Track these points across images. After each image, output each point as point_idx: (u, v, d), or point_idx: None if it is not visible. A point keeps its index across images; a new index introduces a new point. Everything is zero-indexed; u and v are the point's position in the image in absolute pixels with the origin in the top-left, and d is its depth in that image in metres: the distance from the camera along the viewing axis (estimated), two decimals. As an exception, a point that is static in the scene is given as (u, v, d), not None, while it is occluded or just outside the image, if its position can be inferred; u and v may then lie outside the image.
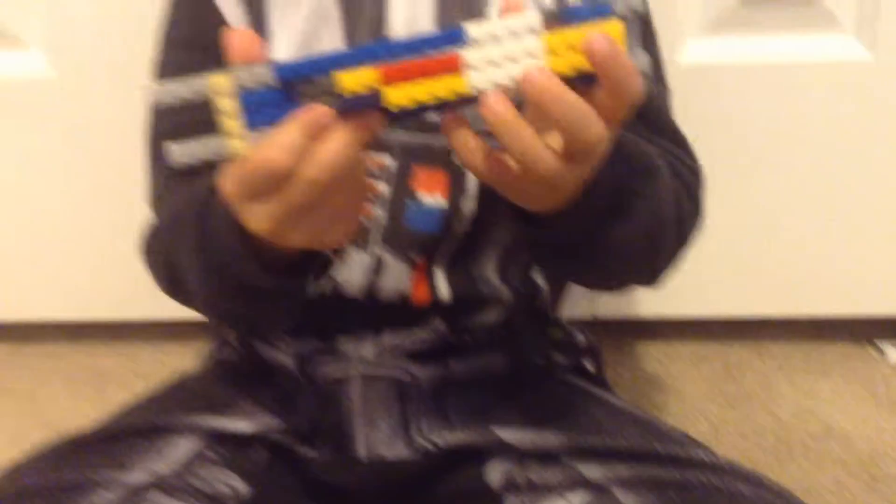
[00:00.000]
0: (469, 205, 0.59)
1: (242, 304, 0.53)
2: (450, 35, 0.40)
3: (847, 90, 0.84)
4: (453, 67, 0.40)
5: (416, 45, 0.40)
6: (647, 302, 0.94)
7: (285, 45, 0.61)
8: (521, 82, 0.40)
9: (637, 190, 0.50)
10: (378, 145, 0.59)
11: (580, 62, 0.39)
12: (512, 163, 0.42)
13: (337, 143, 0.40)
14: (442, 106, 0.41)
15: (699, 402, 0.89)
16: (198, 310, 0.60)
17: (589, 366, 0.69)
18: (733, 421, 0.86)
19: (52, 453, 0.56)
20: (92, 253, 0.92)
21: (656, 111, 0.61)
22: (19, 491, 0.52)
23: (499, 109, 0.40)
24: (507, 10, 0.41)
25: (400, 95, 0.40)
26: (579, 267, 0.54)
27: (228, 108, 0.40)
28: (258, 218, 0.42)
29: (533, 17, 0.40)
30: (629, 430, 0.57)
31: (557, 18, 0.40)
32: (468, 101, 0.41)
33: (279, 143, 0.39)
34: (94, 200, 0.90)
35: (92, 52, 0.83)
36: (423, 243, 0.60)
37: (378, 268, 0.60)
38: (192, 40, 0.63)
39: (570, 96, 0.40)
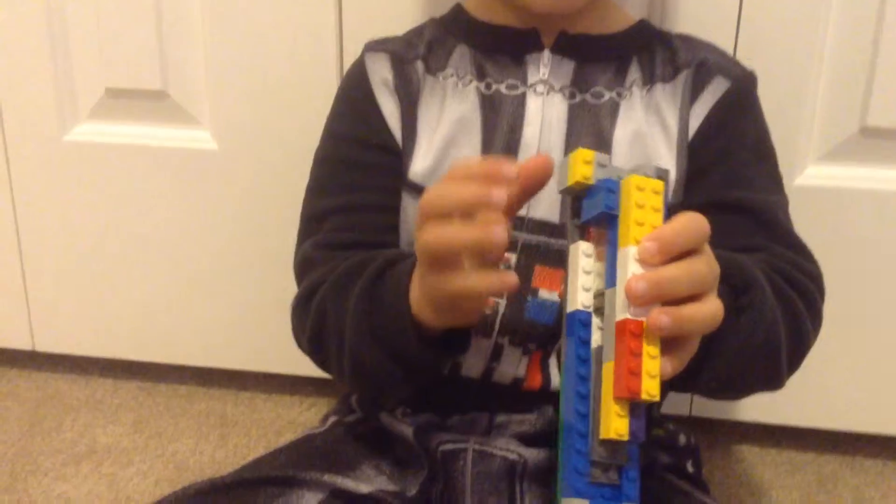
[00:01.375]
0: None
1: (385, 371, 0.57)
2: None
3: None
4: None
5: None
6: (743, 405, 0.96)
7: (426, 148, 0.67)
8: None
9: (742, 302, 0.53)
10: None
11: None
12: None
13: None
14: None
15: (790, 511, 0.89)
16: (329, 368, 0.65)
17: (690, 467, 0.71)
18: (824, 533, 0.87)
19: (197, 493, 0.62)
20: (228, 307, 0.99)
21: (774, 220, 0.64)
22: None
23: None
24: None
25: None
26: (697, 377, 0.55)
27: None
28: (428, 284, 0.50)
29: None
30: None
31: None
32: None
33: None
34: (238, 261, 0.97)
35: (250, 127, 0.92)
36: (539, 335, 0.64)
37: (497, 354, 0.65)
38: (354, 137, 0.69)
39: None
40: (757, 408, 0.95)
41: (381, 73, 0.69)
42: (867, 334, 0.91)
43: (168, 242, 0.98)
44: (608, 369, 0.43)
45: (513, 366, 0.65)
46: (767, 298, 0.56)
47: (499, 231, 0.44)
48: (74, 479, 0.89)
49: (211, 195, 0.95)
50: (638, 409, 0.44)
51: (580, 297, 0.46)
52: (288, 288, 0.71)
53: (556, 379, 0.66)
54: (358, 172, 0.68)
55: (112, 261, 0.99)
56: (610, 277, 0.45)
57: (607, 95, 0.67)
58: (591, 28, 0.68)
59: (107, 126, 0.95)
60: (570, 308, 0.46)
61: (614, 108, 0.66)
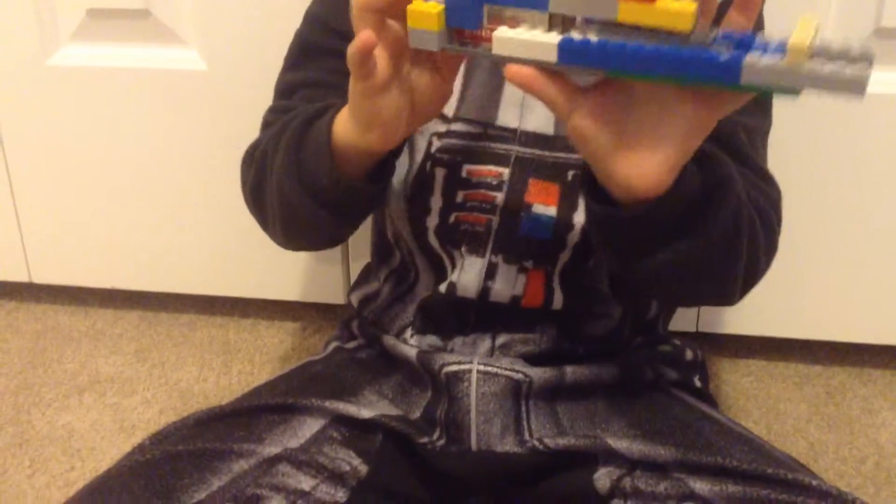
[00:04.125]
0: (579, 217, 0.61)
1: (306, 206, 0.57)
2: None
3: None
4: None
5: None
6: (750, 319, 0.95)
7: None
8: None
9: (717, 197, 0.51)
10: (494, 157, 0.63)
11: None
12: None
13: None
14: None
15: (799, 423, 0.89)
16: (266, 220, 0.65)
17: (697, 381, 0.71)
18: (832, 444, 0.86)
19: (196, 423, 0.62)
20: (226, 234, 0.98)
21: (742, 142, 0.62)
22: (165, 455, 0.57)
23: None
24: None
25: None
26: (654, 266, 0.53)
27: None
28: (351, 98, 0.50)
29: None
30: (738, 449, 0.58)
31: None
32: None
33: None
34: (230, 185, 0.95)
35: (240, 47, 0.89)
36: (535, 251, 0.63)
37: (491, 272, 0.64)
38: (328, 22, 0.68)
39: None
40: (763, 321, 0.94)
41: None
42: (875, 246, 0.89)
43: (162, 167, 0.95)
44: (625, 8, 0.42)
45: (509, 284, 0.64)
46: (735, 198, 0.53)
47: None
48: (78, 410, 0.89)
49: (203, 117, 0.92)
50: None
51: (549, 39, 0.44)
52: None
53: (559, 298, 0.64)
54: (327, 57, 0.67)
55: (104, 188, 0.97)
56: (537, 2, 0.44)
57: None
58: None
59: (90, 48, 0.91)
60: (552, 56, 0.44)
61: None
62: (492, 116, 0.63)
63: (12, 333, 1.02)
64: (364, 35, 0.46)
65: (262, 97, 0.87)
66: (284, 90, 0.69)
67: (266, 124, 0.68)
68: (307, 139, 0.57)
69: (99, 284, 1.04)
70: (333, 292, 0.99)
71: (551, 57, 0.44)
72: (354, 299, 0.75)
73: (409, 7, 0.45)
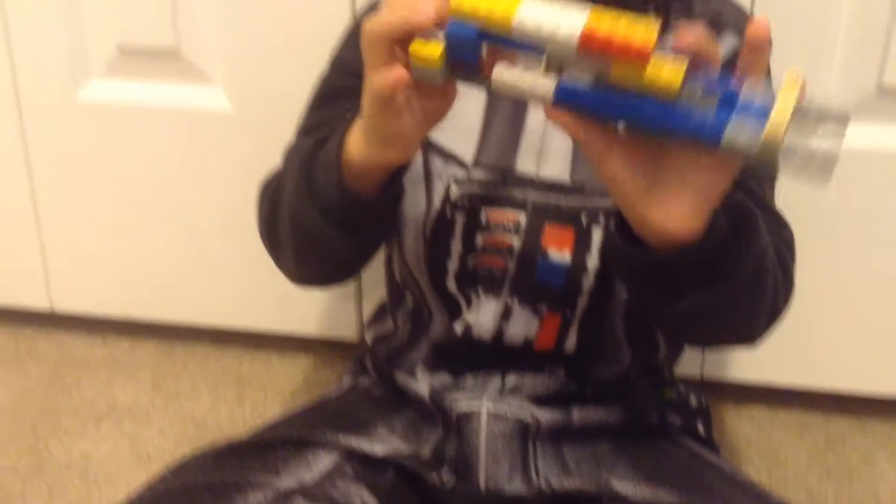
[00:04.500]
0: (594, 262, 0.64)
1: (318, 228, 0.59)
2: None
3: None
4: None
5: None
6: (753, 366, 0.97)
7: None
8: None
9: (746, 241, 0.53)
10: (512, 202, 0.65)
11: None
12: None
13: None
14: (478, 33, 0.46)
15: (799, 471, 0.90)
16: (279, 251, 0.67)
17: (700, 428, 0.72)
18: (832, 493, 0.88)
19: (215, 455, 0.63)
20: (243, 268, 1.00)
21: (754, 186, 0.64)
22: (184, 486, 0.59)
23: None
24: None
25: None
26: (685, 309, 0.55)
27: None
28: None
29: None
30: (740, 496, 0.60)
31: None
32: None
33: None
34: (247, 221, 0.98)
35: (265, 89, 0.92)
36: (550, 295, 0.65)
37: (507, 314, 0.66)
38: (352, 69, 0.69)
39: None
40: (766, 369, 0.96)
41: None
42: (877, 297, 0.91)
43: (182, 202, 0.98)
44: (617, 68, 0.44)
45: (523, 327, 0.66)
46: (762, 241, 0.55)
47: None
48: (95, 438, 0.91)
49: (225, 155, 0.95)
50: (658, 51, 0.44)
51: (545, 83, 0.46)
52: None
53: (572, 341, 0.66)
54: (351, 98, 0.68)
55: (127, 221, 1.00)
56: (534, 49, 0.46)
57: None
58: None
59: (119, 84, 0.95)
60: (549, 97, 0.46)
61: None
62: (510, 164, 0.65)
63: (32, 361, 1.04)
64: (399, 73, 0.48)
65: (284, 137, 0.90)
66: (304, 130, 0.72)
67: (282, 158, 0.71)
68: (318, 158, 0.59)
69: (117, 314, 1.06)
70: (346, 328, 1.02)
71: (549, 97, 0.46)
72: (369, 337, 0.77)
73: (411, 48, 0.48)
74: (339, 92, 0.71)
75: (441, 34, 0.47)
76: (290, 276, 0.69)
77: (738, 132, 0.42)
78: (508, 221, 0.65)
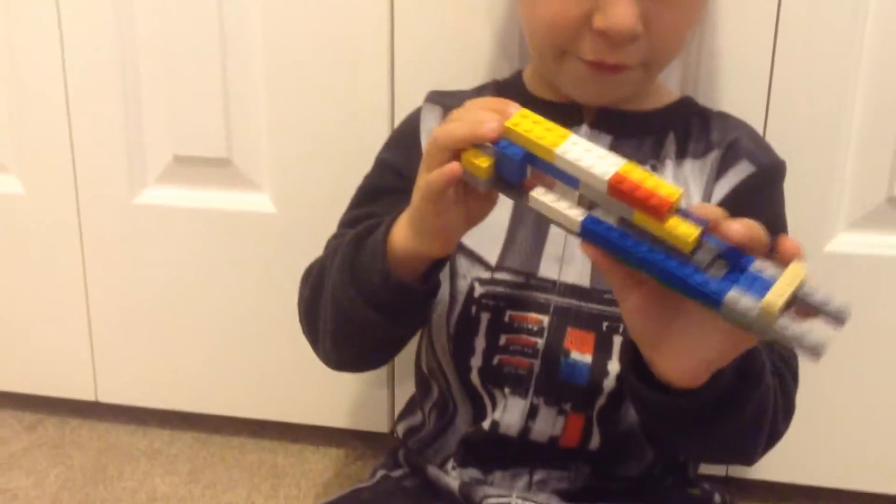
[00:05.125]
0: (614, 365, 0.67)
1: (361, 313, 0.63)
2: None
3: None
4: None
5: None
6: (778, 467, 0.96)
7: None
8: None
9: (747, 390, 0.57)
10: (535, 305, 0.69)
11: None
12: None
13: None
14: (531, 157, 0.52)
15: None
16: (317, 338, 0.71)
17: (723, 526, 0.74)
18: None
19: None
20: (282, 363, 1.04)
21: None
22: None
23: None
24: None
25: (517, 120, 0.52)
26: (680, 439, 0.62)
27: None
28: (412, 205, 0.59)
29: None
30: None
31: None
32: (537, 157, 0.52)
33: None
34: (292, 319, 1.02)
35: (306, 192, 0.97)
36: (573, 395, 0.68)
37: (533, 413, 0.69)
38: (395, 169, 0.76)
39: None
40: (792, 468, 0.96)
41: (430, 124, 0.76)
42: (880, 398, 0.92)
43: (227, 300, 1.03)
44: (639, 216, 0.48)
45: (549, 425, 0.69)
46: (764, 388, 0.59)
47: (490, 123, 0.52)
48: (135, 526, 0.94)
49: (269, 255, 1.00)
50: (681, 213, 0.47)
51: (574, 214, 0.50)
52: None
53: (596, 439, 0.69)
54: (392, 196, 0.75)
55: (173, 317, 1.05)
56: (570, 181, 0.50)
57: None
58: (633, 105, 0.72)
59: (173, 190, 1.01)
60: (574, 227, 0.51)
61: None
62: (534, 268, 0.69)
63: (76, 450, 1.07)
64: (454, 167, 0.54)
65: (323, 237, 0.96)
66: (347, 222, 0.77)
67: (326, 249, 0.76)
68: (364, 245, 0.64)
69: (158, 405, 1.10)
70: (378, 421, 1.05)
71: (574, 228, 0.51)
72: (400, 430, 0.80)
73: (464, 155, 0.54)
74: (381, 190, 0.76)
75: (492, 148, 0.53)
76: (326, 359, 0.73)
77: (737, 301, 0.45)
78: (532, 322, 0.69)
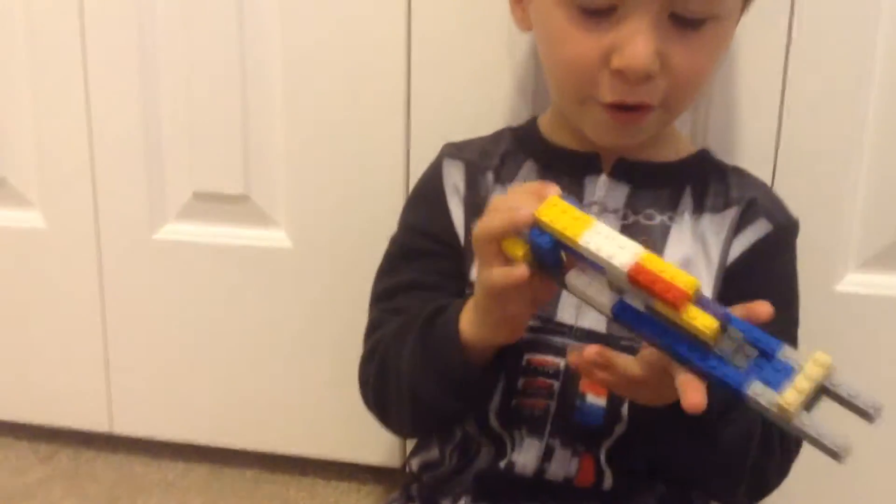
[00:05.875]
0: (625, 408, 0.68)
1: (437, 400, 0.66)
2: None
3: None
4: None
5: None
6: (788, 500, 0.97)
7: None
8: None
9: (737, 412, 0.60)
10: (552, 349, 0.70)
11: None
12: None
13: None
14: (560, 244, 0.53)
15: None
16: (389, 417, 0.73)
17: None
18: None
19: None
20: (295, 396, 1.05)
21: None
22: None
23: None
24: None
25: (544, 211, 0.54)
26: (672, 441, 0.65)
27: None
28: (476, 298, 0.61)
29: None
30: None
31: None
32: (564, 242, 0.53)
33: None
34: (307, 354, 1.03)
35: (322, 228, 0.99)
36: (588, 436, 0.69)
37: (549, 454, 0.70)
38: (424, 230, 0.77)
39: None
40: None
41: (454, 180, 0.77)
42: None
43: (243, 334, 1.04)
44: (660, 305, 0.49)
45: (564, 465, 0.70)
46: (743, 428, 0.63)
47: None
48: (148, 558, 0.94)
49: (285, 290, 1.02)
50: (700, 301, 0.49)
51: (605, 299, 0.53)
52: (352, 381, 0.78)
53: (608, 479, 0.70)
54: (425, 258, 0.76)
55: (190, 351, 1.06)
56: (597, 267, 0.52)
57: (658, 219, 0.72)
58: (650, 155, 0.74)
59: (192, 226, 1.03)
60: (607, 312, 0.53)
61: (665, 231, 0.72)
62: (552, 313, 0.71)
63: (90, 481, 1.08)
64: (522, 271, 0.55)
65: (337, 272, 0.97)
66: (384, 293, 0.77)
67: (373, 324, 0.77)
68: (431, 337, 0.65)
69: (172, 437, 1.11)
70: (389, 456, 1.05)
71: (607, 312, 0.53)
72: (414, 464, 0.80)
73: (504, 242, 0.56)
74: (412, 253, 0.77)
75: (528, 235, 0.55)
76: (397, 432, 0.80)
77: (758, 396, 0.47)
78: (548, 366, 0.70)
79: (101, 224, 1.04)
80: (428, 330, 0.66)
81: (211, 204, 1.02)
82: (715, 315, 0.48)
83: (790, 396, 0.45)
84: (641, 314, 0.51)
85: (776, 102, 0.86)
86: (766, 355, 0.48)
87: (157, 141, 1.01)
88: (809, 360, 0.47)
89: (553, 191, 0.55)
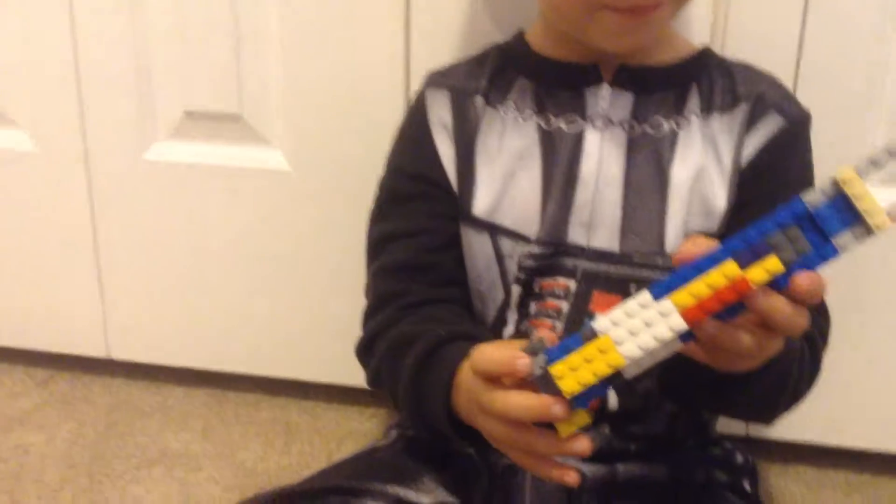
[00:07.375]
0: None
1: (432, 434, 0.64)
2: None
3: None
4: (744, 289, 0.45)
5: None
6: (800, 426, 0.96)
7: (487, 183, 0.70)
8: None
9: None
10: (564, 271, 0.68)
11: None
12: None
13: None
14: (608, 382, 0.48)
15: (847, 532, 0.90)
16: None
17: (747, 486, 0.73)
18: (880, 555, 0.87)
19: (265, 502, 0.66)
20: (295, 320, 1.03)
21: None
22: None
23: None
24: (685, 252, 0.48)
25: (570, 382, 0.48)
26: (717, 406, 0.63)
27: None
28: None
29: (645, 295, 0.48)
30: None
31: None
32: (619, 374, 0.48)
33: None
34: (305, 277, 1.01)
35: (321, 151, 0.95)
36: None
37: None
38: (411, 172, 0.73)
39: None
40: (813, 428, 0.95)
41: (439, 114, 0.72)
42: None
43: (239, 258, 1.02)
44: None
45: None
46: (792, 361, 0.60)
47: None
48: (147, 483, 0.94)
49: (283, 213, 0.99)
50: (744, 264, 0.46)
51: (665, 334, 0.48)
52: (351, 305, 0.76)
53: (613, 399, 0.68)
54: (414, 202, 0.73)
55: (186, 274, 1.04)
56: None
57: (666, 126, 0.69)
58: (652, 58, 0.69)
59: (184, 146, 0.99)
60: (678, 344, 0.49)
61: (673, 139, 0.68)
62: (562, 235, 0.68)
63: (87, 406, 1.07)
64: (586, 446, 0.52)
65: (336, 194, 0.94)
66: (379, 241, 0.74)
67: (370, 291, 0.74)
68: (425, 388, 0.62)
69: (172, 363, 1.10)
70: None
71: (677, 344, 0.49)
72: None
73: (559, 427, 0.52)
74: (401, 198, 0.74)
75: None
76: None
77: (847, 243, 0.45)
78: (559, 287, 0.68)
79: (90, 144, 1.01)
80: (422, 377, 0.62)
81: (202, 122, 0.98)
82: (762, 255, 0.45)
83: (876, 219, 0.44)
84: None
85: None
86: (819, 232, 0.45)
87: (146, 57, 0.96)
88: (840, 184, 0.44)
89: (523, 364, 0.49)
